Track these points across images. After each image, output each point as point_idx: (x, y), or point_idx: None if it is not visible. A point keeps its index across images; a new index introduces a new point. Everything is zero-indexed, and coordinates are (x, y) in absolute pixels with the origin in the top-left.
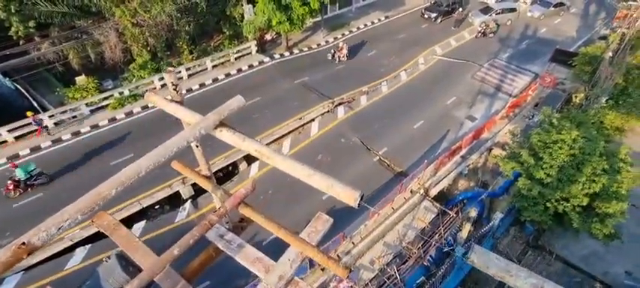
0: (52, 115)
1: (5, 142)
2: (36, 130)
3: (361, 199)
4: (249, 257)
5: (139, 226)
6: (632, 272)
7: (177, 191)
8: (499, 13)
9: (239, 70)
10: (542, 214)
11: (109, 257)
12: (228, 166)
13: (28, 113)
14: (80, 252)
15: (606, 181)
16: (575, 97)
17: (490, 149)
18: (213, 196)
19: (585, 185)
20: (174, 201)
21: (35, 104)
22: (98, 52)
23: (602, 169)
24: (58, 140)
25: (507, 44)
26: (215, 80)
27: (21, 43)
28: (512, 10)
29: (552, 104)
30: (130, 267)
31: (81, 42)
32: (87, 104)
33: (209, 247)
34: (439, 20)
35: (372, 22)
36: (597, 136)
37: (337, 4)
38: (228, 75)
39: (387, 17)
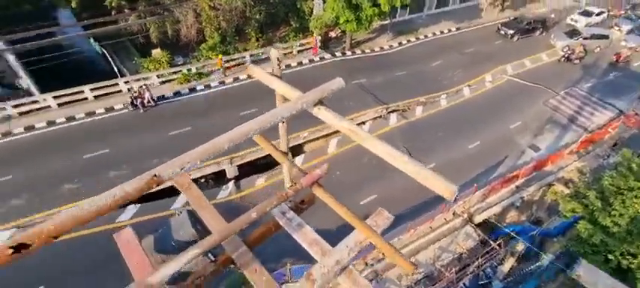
0: (128, 82)
1: (86, 99)
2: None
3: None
4: (307, 238)
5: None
6: None
7: (224, 169)
8: (587, 39)
9: (299, 63)
10: (602, 265)
11: (180, 212)
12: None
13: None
14: (131, 209)
15: None
16: None
17: (551, 184)
18: (283, 171)
19: None
20: (219, 178)
21: (115, 69)
22: (175, 29)
23: None
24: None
25: (590, 73)
26: None
27: (113, 13)
28: (604, 36)
29: (635, 147)
30: (198, 224)
31: (162, 18)
32: (157, 76)
33: (270, 221)
34: (516, 38)
35: (442, 32)
36: None
37: (407, 9)
38: (288, 66)
39: (458, 29)
